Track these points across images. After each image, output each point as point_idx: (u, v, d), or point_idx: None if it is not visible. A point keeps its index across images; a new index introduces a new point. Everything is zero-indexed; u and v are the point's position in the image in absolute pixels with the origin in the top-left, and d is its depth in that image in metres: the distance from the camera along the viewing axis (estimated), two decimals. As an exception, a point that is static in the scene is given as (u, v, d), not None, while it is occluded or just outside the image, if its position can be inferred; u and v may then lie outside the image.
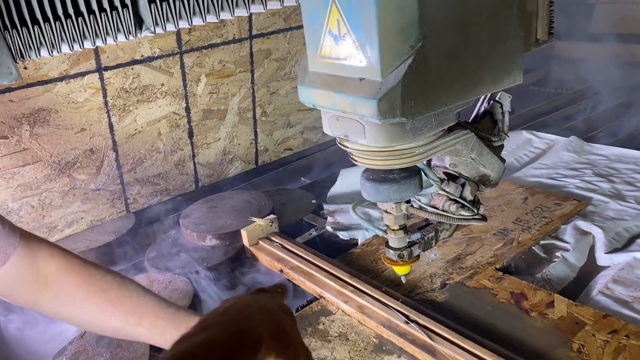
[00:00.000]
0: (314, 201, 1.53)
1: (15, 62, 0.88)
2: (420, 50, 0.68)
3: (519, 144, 1.76)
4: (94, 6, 0.95)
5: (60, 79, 1.29)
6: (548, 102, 2.16)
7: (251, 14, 1.49)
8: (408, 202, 0.90)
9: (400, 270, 0.95)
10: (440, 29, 0.69)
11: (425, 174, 0.89)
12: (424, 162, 0.86)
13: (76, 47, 0.92)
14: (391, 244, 0.94)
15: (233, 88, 1.62)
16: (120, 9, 0.96)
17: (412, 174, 0.85)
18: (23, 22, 0.95)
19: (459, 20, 0.71)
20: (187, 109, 1.55)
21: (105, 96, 1.38)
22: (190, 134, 1.59)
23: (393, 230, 0.92)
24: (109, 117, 1.41)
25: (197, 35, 1.47)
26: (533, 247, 1.22)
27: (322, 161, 1.88)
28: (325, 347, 0.99)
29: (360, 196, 0.90)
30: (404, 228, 0.92)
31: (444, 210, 0.94)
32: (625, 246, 1.20)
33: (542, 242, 1.24)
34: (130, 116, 1.45)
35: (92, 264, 0.82)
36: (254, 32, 1.59)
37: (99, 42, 0.99)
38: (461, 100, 0.76)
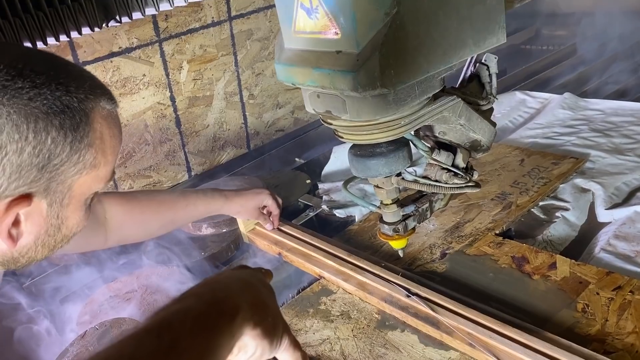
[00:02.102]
0: (308, 181, 1.51)
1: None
2: (396, 17, 0.66)
3: (512, 106, 1.73)
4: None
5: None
6: (540, 60, 2.11)
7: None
8: (399, 175, 0.88)
9: (397, 245, 0.94)
10: (416, -8, 0.67)
11: (414, 144, 0.87)
12: (412, 132, 0.84)
13: (39, 42, 0.89)
14: (385, 218, 0.92)
15: (217, 73, 1.58)
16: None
17: (400, 146, 0.83)
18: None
19: (434, -19, 0.68)
20: (172, 98, 1.52)
21: (86, 92, 1.35)
22: (178, 123, 1.57)
23: (386, 205, 0.90)
24: (92, 113, 1.38)
25: (174, 21, 1.43)
26: (532, 210, 1.21)
27: (315, 140, 1.85)
28: (328, 327, 0.98)
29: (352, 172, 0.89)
30: (397, 202, 0.91)
31: (436, 181, 0.92)
32: (625, 200, 1.19)
33: (541, 203, 1.22)
34: (114, 110, 1.42)
35: (130, 193, 1.13)
36: (233, 13, 1.55)
37: (63, 37, 0.96)
38: (444, 65, 0.74)
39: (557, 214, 1.17)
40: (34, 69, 0.55)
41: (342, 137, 0.81)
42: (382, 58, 0.66)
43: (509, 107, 1.72)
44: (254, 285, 0.62)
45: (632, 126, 1.44)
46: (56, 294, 1.23)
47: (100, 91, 0.62)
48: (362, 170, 0.84)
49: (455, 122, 0.86)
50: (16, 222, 0.59)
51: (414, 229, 0.93)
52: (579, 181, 1.25)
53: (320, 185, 1.48)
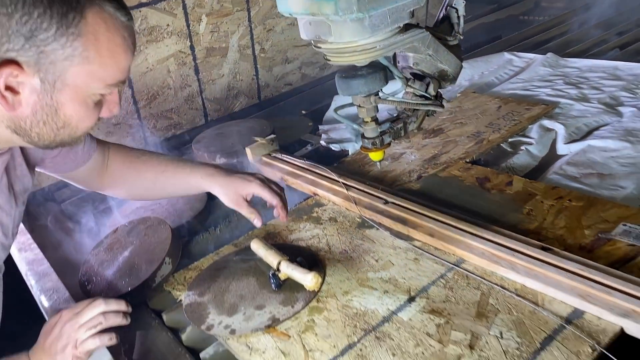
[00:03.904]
0: (310, 124, 1.70)
1: None
2: (369, -46, 0.83)
3: (499, 65, 1.89)
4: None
5: (78, 22, 1.46)
6: (532, 28, 2.27)
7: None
8: (377, 95, 1.06)
9: (375, 157, 1.13)
10: None
11: (391, 71, 1.05)
12: (390, 61, 1.02)
13: None
14: (366, 134, 1.10)
15: (232, 26, 1.77)
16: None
17: (377, 69, 1.01)
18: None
19: None
20: (192, 48, 1.71)
21: (118, 37, 1.55)
22: (197, 71, 1.76)
23: (366, 122, 1.09)
24: (123, 56, 1.58)
25: (195, -23, 1.62)
26: (502, 145, 1.38)
27: (320, 95, 2.04)
28: (318, 228, 1.17)
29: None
30: (375, 120, 1.09)
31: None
32: (582, 138, 1.35)
33: (510, 139, 1.39)
34: (141, 55, 1.62)
35: (138, 150, 1.15)
36: (248, -27, 1.73)
37: None
38: (410, -2, 0.91)
39: (522, 148, 1.35)
40: None
41: (330, 60, 0.99)
42: (357, -13, 0.84)
43: (496, 65, 1.88)
44: None
45: (602, 80, 1.60)
46: (91, 207, 1.45)
47: None
48: (346, 89, 1.02)
49: (424, 53, 1.04)
50: (12, 90, 0.67)
51: (389, 143, 1.11)
52: (546, 122, 1.42)
53: (321, 127, 1.67)
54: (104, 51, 0.70)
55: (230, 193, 1.08)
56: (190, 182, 1.10)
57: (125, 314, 0.88)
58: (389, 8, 0.90)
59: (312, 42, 1.00)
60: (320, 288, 0.97)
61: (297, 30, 2.01)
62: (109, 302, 0.85)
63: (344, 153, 1.52)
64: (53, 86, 0.69)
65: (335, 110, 1.17)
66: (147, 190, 1.13)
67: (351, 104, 1.10)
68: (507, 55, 1.93)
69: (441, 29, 1.11)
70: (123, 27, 0.72)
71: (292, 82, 2.05)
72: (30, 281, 1.06)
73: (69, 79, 0.70)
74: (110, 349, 0.85)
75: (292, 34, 1.94)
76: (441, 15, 1.12)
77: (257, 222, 1.09)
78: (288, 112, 1.98)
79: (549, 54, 1.83)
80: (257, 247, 1.06)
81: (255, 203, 1.12)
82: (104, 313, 0.84)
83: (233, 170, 1.12)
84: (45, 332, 0.82)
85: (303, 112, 2.00)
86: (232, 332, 0.91)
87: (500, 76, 1.83)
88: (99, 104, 0.76)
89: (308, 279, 0.95)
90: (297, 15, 0.96)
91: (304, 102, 2.02)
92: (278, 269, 0.99)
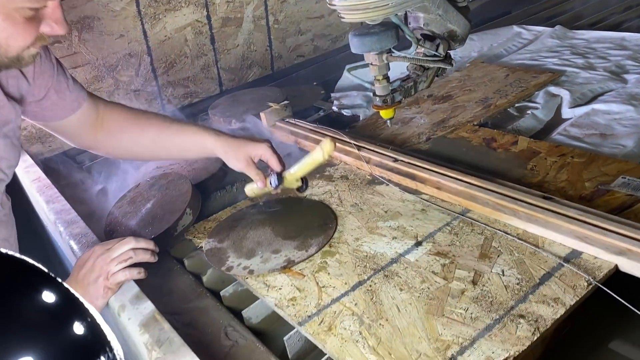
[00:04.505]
0: (322, 92, 1.75)
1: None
2: None
3: (508, 37, 1.92)
4: None
5: (100, -11, 1.52)
6: (541, 3, 2.29)
7: None
8: (389, 52, 1.11)
9: (385, 114, 1.18)
10: None
11: (402, 30, 1.09)
12: (402, 21, 1.07)
13: None
14: (377, 92, 1.15)
15: (247, -3, 1.82)
16: None
17: (389, 27, 1.06)
18: None
19: None
20: (208, 17, 1.76)
21: (138, 5, 1.60)
22: (212, 41, 1.81)
23: (378, 80, 1.13)
24: (142, 24, 1.64)
25: (212, -53, 1.66)
26: (508, 110, 1.43)
27: (333, 67, 2.08)
28: (330, 185, 1.23)
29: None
30: (387, 78, 1.14)
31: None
32: (587, 103, 1.40)
33: (516, 104, 1.44)
34: (160, 24, 1.67)
35: (138, 109, 1.11)
36: (263, -56, 1.77)
37: None
38: (421, -44, 0.96)
39: (528, 112, 1.39)
40: None
41: (344, 17, 1.04)
42: (371, -56, 0.89)
43: (505, 38, 1.92)
44: None
45: (609, 50, 1.64)
46: (113, 168, 1.51)
47: None
48: (359, 46, 1.07)
49: (434, 13, 1.09)
50: None
51: (399, 101, 1.16)
52: (552, 89, 1.46)
53: (333, 95, 1.72)
54: None
55: (240, 154, 1.04)
56: (196, 141, 1.06)
57: (153, 252, 0.94)
58: (401, -34, 0.95)
59: (328, 0, 1.05)
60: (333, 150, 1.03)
61: (310, 2, 2.05)
62: (138, 240, 0.91)
63: (355, 118, 1.57)
64: None
65: (349, 70, 1.22)
66: (147, 147, 1.08)
67: (364, 65, 1.15)
68: (515, 28, 1.96)
69: (451, -9, 1.15)
70: None
71: (305, 53, 2.10)
72: (59, 228, 1.13)
73: None
74: (138, 282, 0.91)
75: (306, 6, 1.99)
76: (451, -22, 1.16)
77: (260, 184, 1.07)
78: (300, 83, 2.02)
79: (557, 27, 1.86)
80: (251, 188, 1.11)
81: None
82: (134, 249, 0.90)
83: (238, 135, 1.11)
84: (79, 266, 0.89)
85: (314, 83, 2.05)
86: (251, 272, 0.98)
87: (508, 48, 1.86)
88: (33, 20, 0.73)
89: (324, 144, 1.02)
90: (313, -26, 1.01)
91: (316, 73, 2.06)
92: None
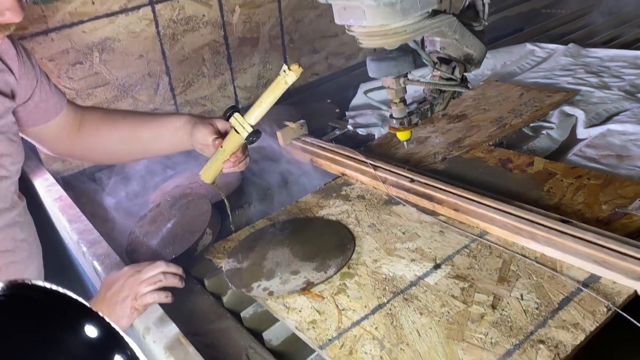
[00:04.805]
0: (337, 110, 1.77)
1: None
2: (402, -56, 0.90)
3: (522, 55, 1.94)
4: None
5: (121, 11, 1.55)
6: (554, 20, 2.30)
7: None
8: (405, 77, 1.13)
9: (402, 136, 1.19)
10: None
11: (419, 54, 1.11)
12: (419, 45, 1.09)
13: None
14: (394, 115, 1.17)
15: (263, 17, 1.85)
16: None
17: (406, 52, 1.08)
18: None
19: None
20: (225, 37, 1.79)
21: (157, 26, 1.64)
22: (229, 60, 1.84)
23: (395, 103, 1.15)
24: (161, 45, 1.67)
25: (230, -31, 1.70)
26: (523, 129, 1.44)
27: (346, 84, 2.10)
28: (347, 204, 1.24)
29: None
30: (403, 101, 1.16)
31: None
32: (602, 123, 1.40)
33: (531, 124, 1.45)
34: (178, 44, 1.70)
35: (116, 109, 1.15)
36: (279, -35, 1.80)
37: None
38: (438, -16, 0.98)
39: (543, 132, 1.40)
40: None
41: (362, 43, 1.06)
42: (390, -26, 0.91)
43: (518, 56, 1.93)
44: None
45: (623, 69, 1.64)
46: (132, 186, 1.54)
47: None
48: (377, 71, 1.09)
49: (451, 37, 1.10)
50: None
51: (416, 124, 1.18)
52: (566, 108, 1.47)
53: (348, 113, 1.74)
54: None
55: (207, 125, 1.05)
56: (167, 122, 1.09)
57: (181, 277, 0.96)
58: (418, -6, 0.96)
59: (346, 26, 1.07)
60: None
61: (324, 21, 2.08)
62: (169, 265, 0.94)
63: (370, 137, 1.59)
64: None
65: (365, 92, 1.24)
66: (121, 142, 1.09)
67: (380, 87, 1.17)
68: (529, 45, 1.97)
69: (467, 15, 1.17)
70: None
71: (319, 71, 2.12)
72: (82, 248, 1.15)
73: None
74: (163, 306, 0.93)
75: (320, 26, 2.01)
76: (467, 2, 1.18)
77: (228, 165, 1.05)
78: (314, 100, 2.05)
79: (571, 45, 1.87)
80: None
81: None
82: (164, 273, 0.92)
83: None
84: (107, 285, 0.91)
85: (329, 100, 2.07)
86: (270, 293, 0.99)
87: (522, 66, 1.88)
88: None
89: (288, 74, 0.97)
90: (333, 2, 1.03)
91: (330, 91, 2.08)
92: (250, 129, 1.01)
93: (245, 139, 1.03)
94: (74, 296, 0.45)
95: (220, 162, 1.06)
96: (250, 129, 1.03)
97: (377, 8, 0.96)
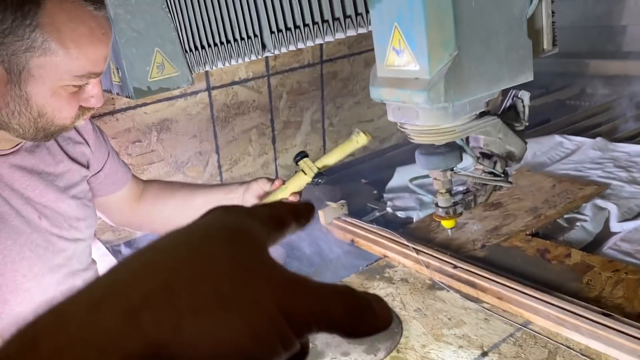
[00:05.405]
0: (375, 192, 1.86)
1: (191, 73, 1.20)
2: (456, 57, 1.01)
3: (551, 146, 2.03)
4: (237, 35, 1.25)
5: (181, 96, 1.69)
6: (580, 112, 2.42)
7: (322, 43, 1.86)
8: (452, 170, 1.21)
9: (447, 224, 1.26)
10: (470, 42, 1.02)
11: (465, 150, 1.21)
12: (464, 141, 1.18)
13: (227, 63, 1.24)
14: (440, 204, 1.25)
15: (307, 103, 1.98)
16: (252, 38, 1.26)
17: (454, 148, 1.17)
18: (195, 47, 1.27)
19: (483, 35, 1.04)
20: (272, 121, 1.92)
21: (212, 110, 1.77)
22: (274, 141, 1.96)
23: (441, 193, 1.23)
24: (214, 126, 1.80)
25: (281, 61, 1.85)
26: (558, 220, 1.50)
27: (380, 166, 2.21)
28: (391, 287, 1.30)
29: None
30: (449, 191, 1.24)
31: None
32: (635, 217, 1.46)
33: (565, 216, 1.51)
34: (229, 126, 1.83)
35: (174, 181, 1.24)
36: (324, 58, 1.96)
37: (234, 61, 1.31)
38: (487, 91, 1.08)
39: (577, 224, 1.46)
40: None
41: (414, 139, 1.16)
42: (446, 82, 1.01)
43: (548, 147, 2.02)
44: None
45: (651, 165, 1.72)
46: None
47: None
48: (425, 164, 1.18)
49: (495, 136, 1.20)
50: None
51: (461, 213, 1.25)
52: (599, 201, 1.54)
53: (385, 195, 1.83)
54: (68, 43, 0.70)
55: (253, 187, 1.10)
56: (220, 191, 1.14)
57: None
58: (469, 99, 1.07)
59: (399, 124, 1.17)
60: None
61: (362, 107, 2.21)
62: None
63: (408, 220, 1.66)
64: (19, 77, 0.70)
65: (411, 180, 1.33)
66: (178, 207, 1.14)
67: (425, 176, 1.26)
68: (557, 137, 2.07)
69: (508, 116, 1.27)
70: (90, 17, 0.71)
71: (355, 153, 2.23)
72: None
73: (34, 70, 0.70)
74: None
75: (358, 111, 2.15)
76: (508, 103, 1.29)
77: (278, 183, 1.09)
78: (350, 180, 2.15)
79: (598, 138, 1.96)
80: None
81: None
82: None
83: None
84: None
85: (363, 180, 2.17)
86: (323, 373, 1.03)
87: (552, 157, 1.96)
88: (77, 94, 0.77)
89: (360, 136, 1.04)
90: (387, 102, 1.14)
91: (364, 172, 2.19)
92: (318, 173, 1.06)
93: (312, 179, 1.07)
94: None
95: (278, 198, 1.08)
96: (316, 170, 1.08)
97: (430, 111, 1.06)
